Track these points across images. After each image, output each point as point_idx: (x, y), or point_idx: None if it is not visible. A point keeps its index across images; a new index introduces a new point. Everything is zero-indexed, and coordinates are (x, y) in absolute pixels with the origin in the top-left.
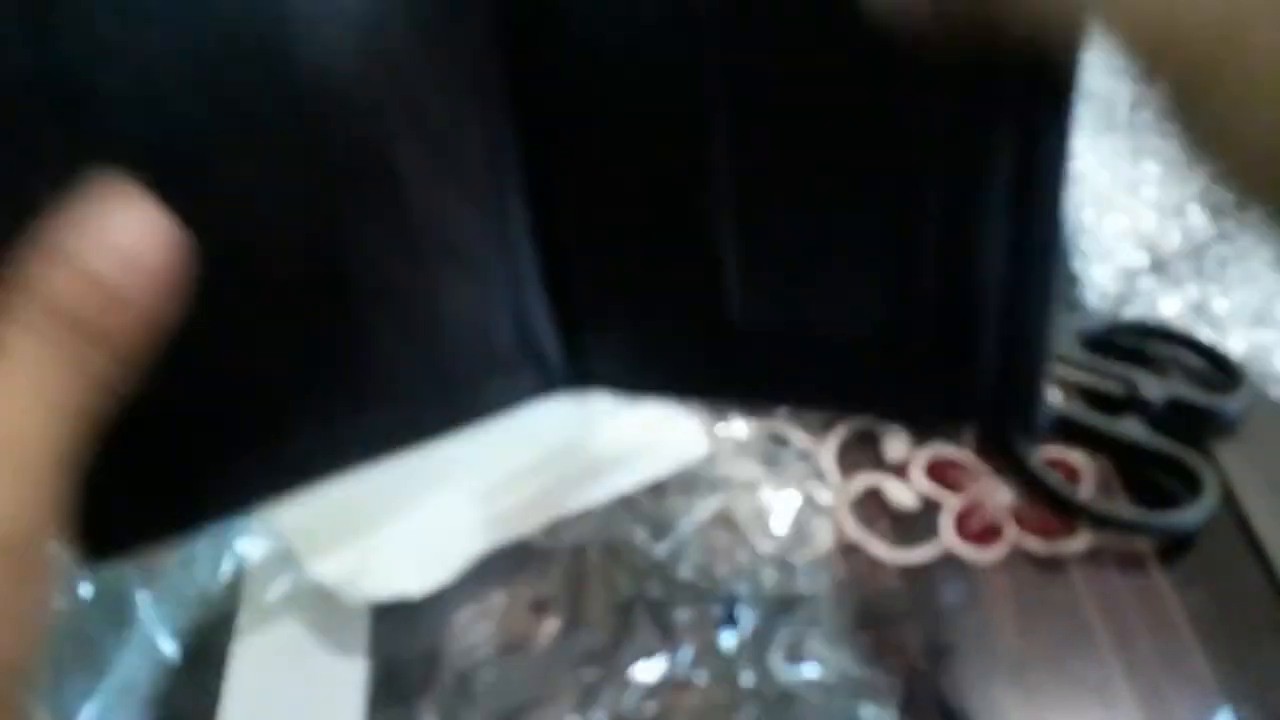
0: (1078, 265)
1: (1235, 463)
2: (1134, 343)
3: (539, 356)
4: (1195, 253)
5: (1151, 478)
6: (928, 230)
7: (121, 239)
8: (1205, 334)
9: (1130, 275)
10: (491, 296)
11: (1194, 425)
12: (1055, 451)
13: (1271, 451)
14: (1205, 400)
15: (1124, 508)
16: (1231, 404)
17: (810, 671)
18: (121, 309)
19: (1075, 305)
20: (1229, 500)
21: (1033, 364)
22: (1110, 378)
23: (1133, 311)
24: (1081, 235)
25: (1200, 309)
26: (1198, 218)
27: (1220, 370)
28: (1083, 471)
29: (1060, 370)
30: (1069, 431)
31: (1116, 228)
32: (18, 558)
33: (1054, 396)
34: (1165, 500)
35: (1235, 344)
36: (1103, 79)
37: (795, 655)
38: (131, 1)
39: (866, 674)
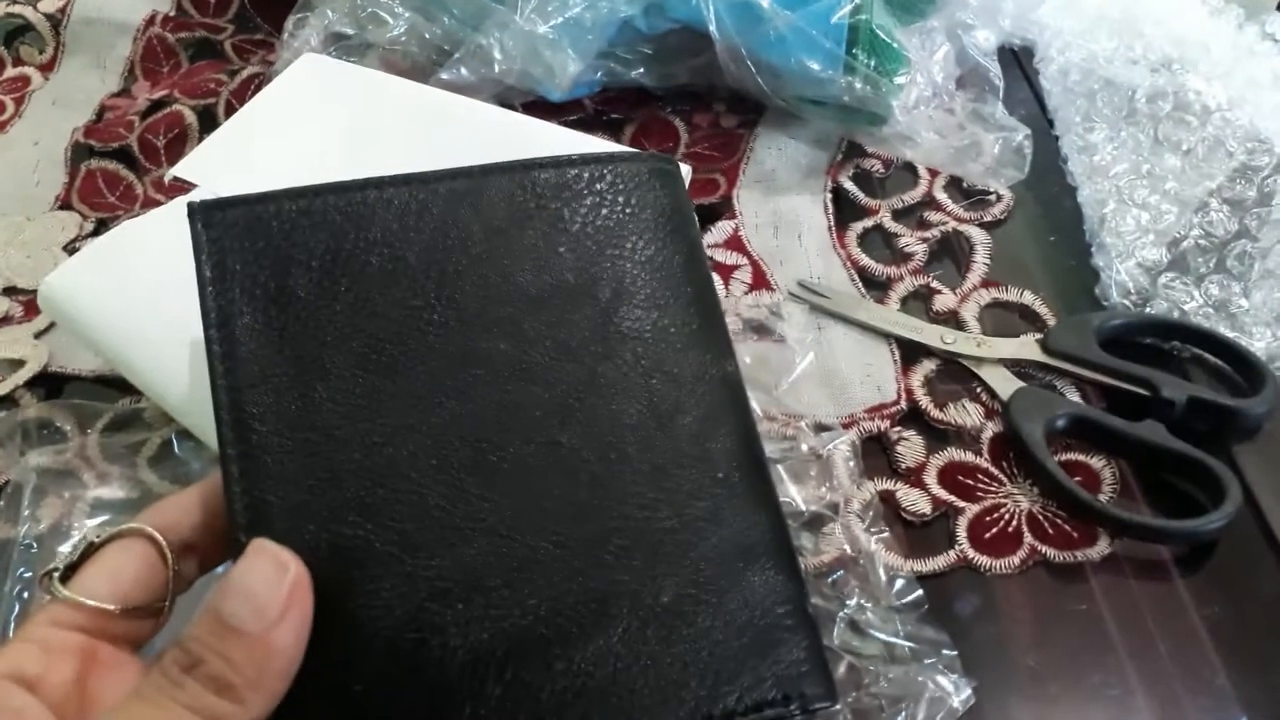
0: (1098, 261)
1: (1257, 466)
2: (1154, 342)
3: None
4: (1217, 249)
5: (1172, 482)
6: None
7: (249, 583)
8: (1227, 332)
9: (1150, 272)
10: None
11: (1216, 427)
12: (1074, 455)
13: None
14: (1228, 401)
15: (1144, 514)
16: (1255, 405)
17: None
18: (240, 642)
19: (1095, 303)
20: (1250, 504)
21: None
22: (1130, 379)
23: (1153, 309)
24: (1101, 230)
25: (1222, 307)
26: (1219, 213)
27: (1243, 370)
28: (1102, 476)
29: (1079, 371)
30: (1088, 434)
31: (1137, 223)
32: None
33: (1073, 397)
34: (1186, 505)
35: (1258, 343)
36: (1122, 68)
37: None
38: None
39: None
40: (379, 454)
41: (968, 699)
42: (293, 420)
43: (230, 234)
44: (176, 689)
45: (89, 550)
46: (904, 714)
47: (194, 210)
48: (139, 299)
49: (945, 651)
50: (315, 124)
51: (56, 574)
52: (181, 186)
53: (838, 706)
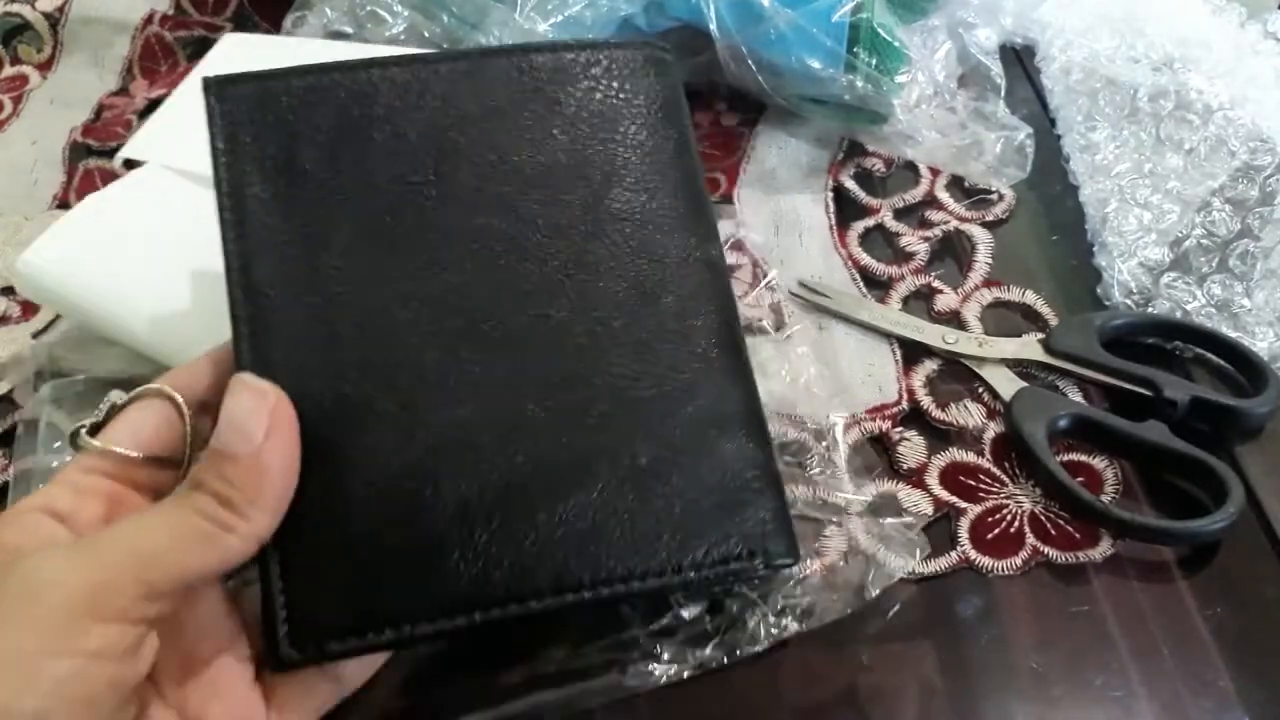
0: (1100, 261)
1: (1260, 466)
2: (1156, 342)
3: None
4: (1219, 248)
5: (1175, 483)
6: None
7: (234, 413)
8: (1229, 332)
9: (1153, 272)
10: None
11: (1218, 427)
12: (1076, 456)
13: None
14: (1230, 401)
15: (1147, 514)
16: (1257, 405)
17: None
18: (235, 464)
19: (1097, 303)
20: (1253, 505)
21: None
22: (1132, 379)
23: (1155, 309)
24: (1103, 230)
25: (1224, 306)
26: (1221, 212)
27: (1245, 370)
28: (1104, 476)
29: (1081, 371)
30: (1090, 435)
31: (1139, 223)
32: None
33: (1075, 397)
34: (1189, 506)
35: (1260, 343)
36: (1124, 67)
37: None
38: None
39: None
40: (379, 318)
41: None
42: (298, 285)
43: (241, 108)
44: (187, 499)
45: (113, 410)
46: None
47: (208, 85)
48: (114, 261)
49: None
50: None
51: (84, 429)
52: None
53: (797, 565)
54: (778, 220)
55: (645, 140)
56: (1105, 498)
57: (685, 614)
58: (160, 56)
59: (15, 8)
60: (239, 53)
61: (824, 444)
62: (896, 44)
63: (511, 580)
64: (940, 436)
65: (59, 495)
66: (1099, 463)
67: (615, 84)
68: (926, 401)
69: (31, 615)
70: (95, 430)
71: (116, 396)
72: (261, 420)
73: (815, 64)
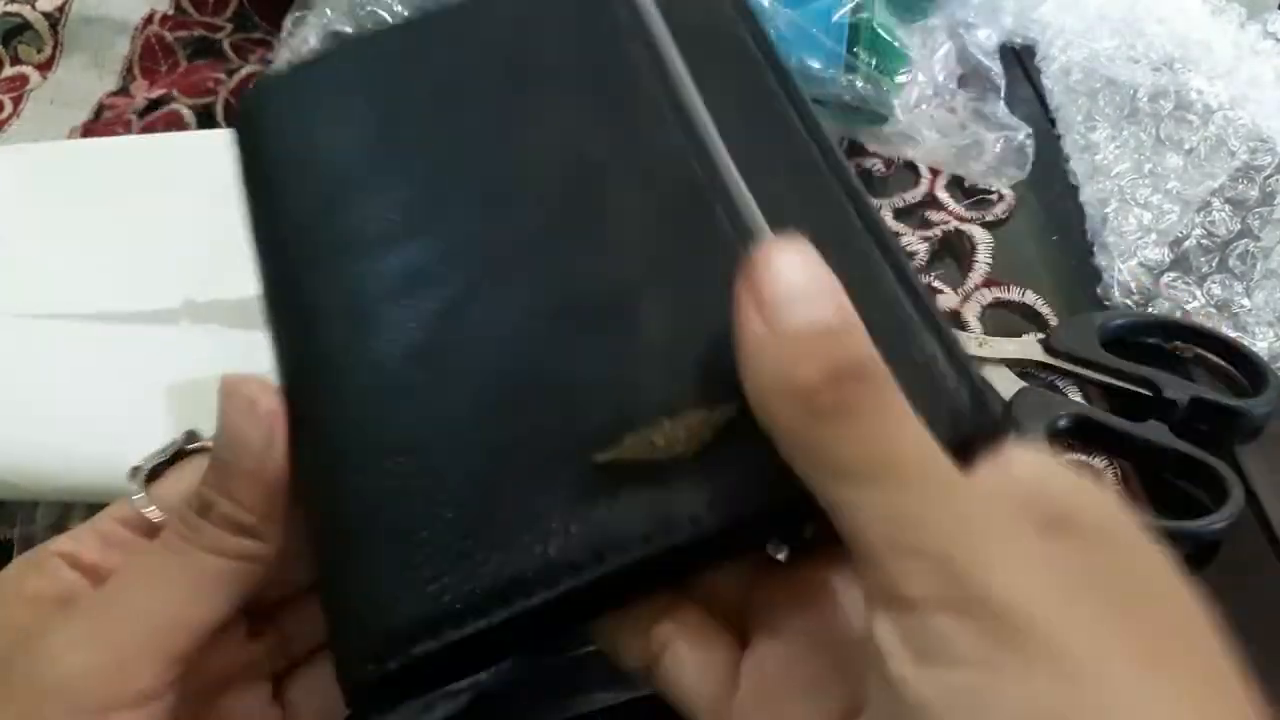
0: (1100, 261)
1: (1260, 466)
2: (1157, 342)
3: None
4: (1219, 249)
5: (1174, 483)
6: None
7: (235, 422)
8: (1229, 332)
9: (1153, 272)
10: None
11: (1218, 427)
12: (1076, 455)
13: None
14: (1230, 401)
15: (1146, 514)
16: (1257, 405)
17: None
18: (242, 480)
19: (1097, 303)
20: (1253, 505)
21: None
22: (1132, 379)
23: (1155, 309)
24: (1103, 230)
25: (1224, 306)
26: (1221, 212)
27: (1245, 370)
28: (1104, 476)
29: (1081, 371)
30: (1090, 435)
31: (1139, 223)
32: None
33: (1075, 397)
34: (1189, 506)
35: (1260, 343)
36: (1124, 67)
37: None
38: None
39: None
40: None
41: None
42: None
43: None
44: (197, 534)
45: (178, 455)
46: None
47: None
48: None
49: None
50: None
51: (143, 473)
52: None
53: None
54: None
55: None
56: None
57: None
58: (160, 56)
59: (15, 8)
60: (13, 164)
61: None
62: (896, 44)
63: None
64: None
65: (87, 544)
66: (1099, 463)
67: None
68: None
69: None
70: (154, 474)
71: (184, 440)
72: (263, 426)
73: (815, 64)
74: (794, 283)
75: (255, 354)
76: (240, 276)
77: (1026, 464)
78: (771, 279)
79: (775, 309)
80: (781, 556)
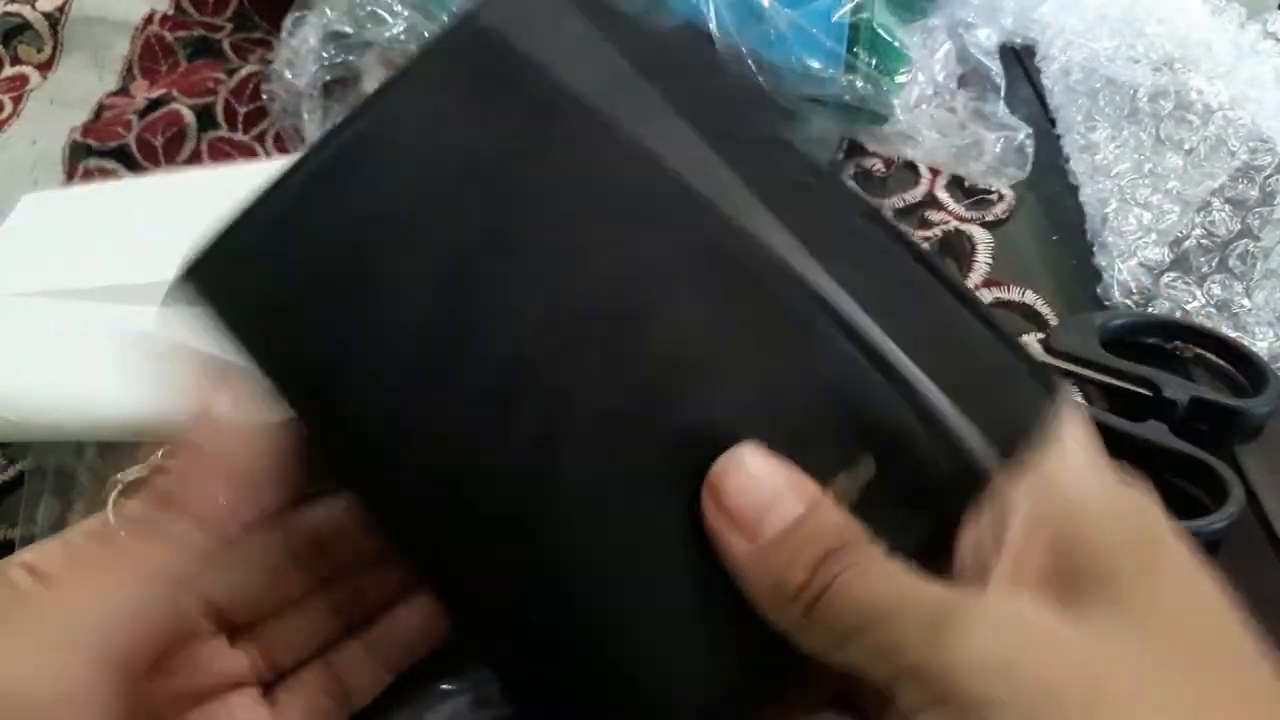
0: (1100, 261)
1: (1260, 466)
2: (1156, 342)
3: None
4: (1219, 249)
5: (1174, 483)
6: None
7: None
8: (1229, 332)
9: (1153, 272)
10: None
11: (1218, 427)
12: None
13: None
14: (1230, 401)
15: None
16: (1257, 405)
17: None
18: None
19: (1097, 303)
20: (1253, 505)
21: None
22: (1132, 379)
23: (1155, 309)
24: (1103, 230)
25: (1224, 306)
26: (1221, 212)
27: (1245, 370)
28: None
29: (1081, 371)
30: None
31: (1139, 223)
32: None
33: (1075, 397)
34: (1188, 506)
35: (1260, 343)
36: (1124, 67)
37: None
38: None
39: None
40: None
41: None
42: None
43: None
44: (143, 528)
45: (156, 472)
46: None
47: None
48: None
49: None
50: (58, 256)
51: (119, 486)
52: None
53: None
54: None
55: None
56: None
57: None
58: (160, 56)
59: (15, 8)
60: (42, 211)
61: None
62: (896, 44)
63: None
64: None
65: (50, 554)
66: None
67: None
68: None
69: None
70: (130, 490)
71: (163, 456)
72: (185, 394)
73: (815, 64)
74: (761, 491)
75: None
76: None
77: (1062, 491)
78: (738, 494)
79: (754, 525)
80: None
